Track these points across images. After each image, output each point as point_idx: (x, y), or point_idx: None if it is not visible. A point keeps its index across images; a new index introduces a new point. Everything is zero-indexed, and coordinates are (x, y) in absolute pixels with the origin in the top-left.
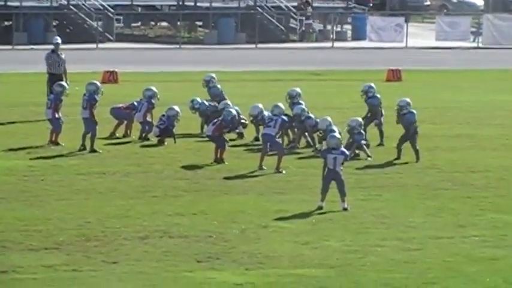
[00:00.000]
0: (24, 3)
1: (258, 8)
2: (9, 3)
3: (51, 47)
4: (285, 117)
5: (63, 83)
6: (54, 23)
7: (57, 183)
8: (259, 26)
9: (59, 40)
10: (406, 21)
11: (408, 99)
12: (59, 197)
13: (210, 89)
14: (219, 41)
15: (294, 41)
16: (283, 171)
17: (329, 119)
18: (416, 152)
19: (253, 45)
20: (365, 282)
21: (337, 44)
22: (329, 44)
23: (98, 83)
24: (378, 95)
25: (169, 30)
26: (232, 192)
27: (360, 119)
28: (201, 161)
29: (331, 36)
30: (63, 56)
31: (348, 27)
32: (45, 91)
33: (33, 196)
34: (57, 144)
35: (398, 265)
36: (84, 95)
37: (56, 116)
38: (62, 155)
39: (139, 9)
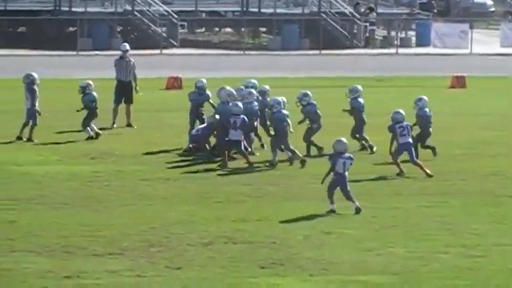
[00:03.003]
0: (89, 9)
1: (322, 14)
2: (73, 9)
3: (116, 52)
4: (409, 123)
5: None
6: (118, 29)
7: (121, 188)
8: (323, 32)
9: (128, 47)
10: (471, 27)
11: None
12: (123, 202)
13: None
14: (283, 47)
15: (358, 47)
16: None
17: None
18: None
19: (317, 52)
20: None
21: (401, 51)
22: (393, 51)
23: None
24: (314, 102)
25: (233, 36)
26: (296, 198)
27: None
28: (265, 166)
29: (395, 42)
30: (132, 62)
31: (412, 34)
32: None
33: (97, 201)
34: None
35: (462, 272)
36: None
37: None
38: (125, 161)
39: (204, 15)
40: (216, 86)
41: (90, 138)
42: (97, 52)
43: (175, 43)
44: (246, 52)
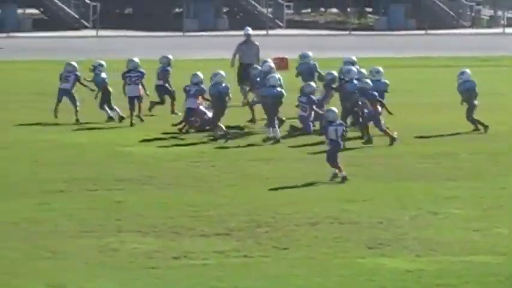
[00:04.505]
0: None
1: None
2: None
3: (221, 33)
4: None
5: (312, 83)
6: (224, 10)
7: (227, 169)
8: (429, 12)
9: (250, 30)
10: None
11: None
12: (229, 182)
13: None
14: (389, 27)
15: (464, 27)
16: None
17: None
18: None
19: (423, 32)
20: None
21: (508, 30)
22: (500, 30)
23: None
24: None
25: (339, 16)
26: (402, 178)
27: None
28: (371, 146)
29: (502, 22)
30: (256, 46)
31: None
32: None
33: (204, 182)
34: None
35: None
36: None
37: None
38: (231, 141)
39: None
40: (322, 67)
41: (110, 118)
42: (203, 33)
43: (281, 24)
44: (352, 32)
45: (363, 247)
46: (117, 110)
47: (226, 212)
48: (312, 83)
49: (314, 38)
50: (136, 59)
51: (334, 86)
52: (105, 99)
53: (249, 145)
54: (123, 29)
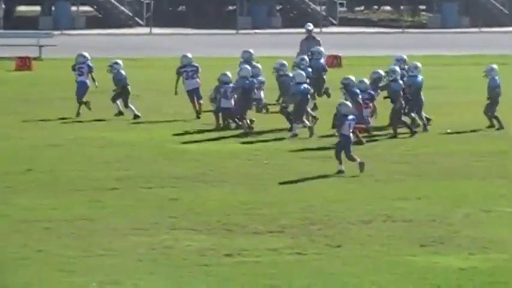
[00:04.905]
0: None
1: None
2: None
3: (275, 31)
4: None
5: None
6: (278, 7)
7: (280, 166)
8: (483, 10)
9: (311, 27)
10: None
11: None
12: (282, 180)
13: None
14: (442, 25)
15: None
16: None
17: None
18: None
19: (476, 29)
20: None
21: None
22: None
23: None
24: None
25: (393, 14)
26: (455, 176)
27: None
28: (424, 144)
29: None
30: (317, 41)
31: None
32: None
33: (257, 180)
34: None
35: None
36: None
37: None
38: (283, 139)
39: None
40: (373, 65)
41: (120, 113)
42: (256, 31)
43: (334, 21)
44: (405, 30)
45: (415, 245)
46: (133, 108)
47: (279, 210)
48: (365, 80)
49: (367, 35)
50: (189, 55)
51: (380, 84)
52: (121, 96)
53: (301, 143)
54: (177, 26)
